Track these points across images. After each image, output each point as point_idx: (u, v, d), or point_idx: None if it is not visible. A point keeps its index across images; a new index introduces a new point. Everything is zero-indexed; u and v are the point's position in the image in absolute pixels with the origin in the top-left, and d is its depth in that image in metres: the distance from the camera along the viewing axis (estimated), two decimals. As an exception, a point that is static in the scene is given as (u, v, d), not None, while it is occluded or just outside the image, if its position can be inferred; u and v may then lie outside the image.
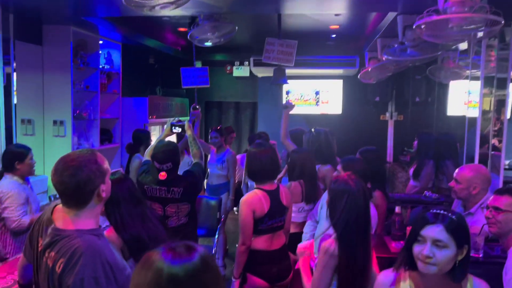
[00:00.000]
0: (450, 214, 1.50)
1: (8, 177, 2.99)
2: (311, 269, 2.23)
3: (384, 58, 4.32)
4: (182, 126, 3.35)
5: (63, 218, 1.51)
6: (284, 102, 4.29)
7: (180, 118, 3.52)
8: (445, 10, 2.35)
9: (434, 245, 1.46)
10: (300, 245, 2.28)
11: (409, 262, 1.55)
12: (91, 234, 1.49)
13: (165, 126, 3.48)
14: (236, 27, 3.61)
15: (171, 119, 3.51)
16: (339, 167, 2.67)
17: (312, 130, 3.85)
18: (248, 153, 2.76)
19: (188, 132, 3.32)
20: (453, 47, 4.95)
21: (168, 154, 2.84)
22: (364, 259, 1.95)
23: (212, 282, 0.99)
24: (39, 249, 1.54)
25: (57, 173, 1.48)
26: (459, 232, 1.49)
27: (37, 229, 1.61)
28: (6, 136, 3.60)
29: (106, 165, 1.56)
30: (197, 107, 4.36)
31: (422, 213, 1.56)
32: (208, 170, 4.81)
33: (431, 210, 1.53)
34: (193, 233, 3.06)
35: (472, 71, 4.69)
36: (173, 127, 3.39)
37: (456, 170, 2.78)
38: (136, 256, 1.96)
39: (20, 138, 4.12)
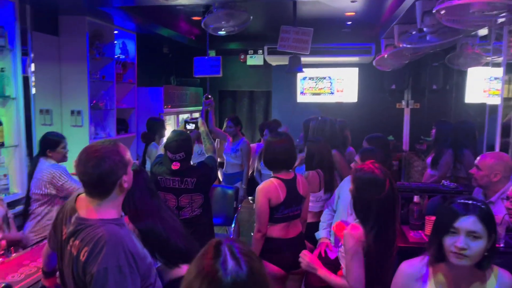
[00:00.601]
0: (479, 204, 1.49)
1: (44, 161, 3.17)
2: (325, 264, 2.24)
3: (401, 46, 4.25)
4: (196, 123, 3.48)
5: (86, 207, 1.54)
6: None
7: (195, 113, 3.61)
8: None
9: (468, 237, 1.44)
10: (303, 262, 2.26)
11: (439, 255, 1.52)
12: (114, 223, 1.51)
13: (179, 122, 3.55)
14: (251, 17, 3.58)
15: (185, 116, 3.57)
16: (357, 158, 2.65)
17: (319, 118, 3.90)
18: (266, 142, 2.78)
19: (201, 129, 3.41)
20: (472, 33, 4.83)
21: (181, 144, 2.85)
22: (391, 246, 1.97)
23: None
24: (63, 237, 1.57)
25: (81, 163, 1.50)
26: (489, 221, 1.48)
27: (61, 217, 1.64)
28: (25, 126, 3.65)
29: (128, 156, 1.58)
30: (209, 96, 4.37)
31: (447, 204, 1.53)
32: (224, 158, 4.86)
33: (457, 200, 1.51)
34: (207, 225, 3.04)
35: (492, 57, 4.59)
36: (186, 124, 3.52)
37: (478, 157, 2.74)
38: (149, 247, 1.97)
39: (38, 128, 4.18)
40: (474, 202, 1.49)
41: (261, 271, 1.00)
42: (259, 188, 2.61)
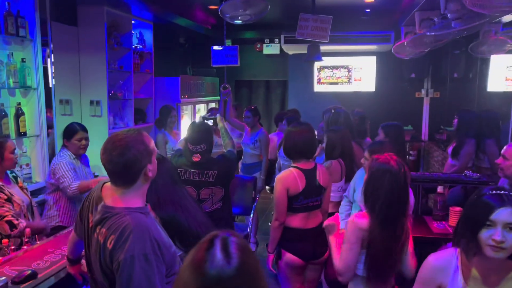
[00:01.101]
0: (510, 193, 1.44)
1: (62, 151, 3.22)
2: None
3: (423, 32, 4.15)
4: (214, 119, 3.48)
5: (111, 196, 1.55)
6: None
7: (211, 103, 3.60)
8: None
9: (504, 229, 1.41)
10: (325, 222, 2.28)
11: (472, 249, 1.48)
12: (139, 212, 1.51)
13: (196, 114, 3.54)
14: (268, 6, 3.52)
15: (202, 106, 3.56)
16: (365, 154, 2.62)
17: (332, 110, 3.88)
18: (286, 132, 2.77)
19: (220, 125, 3.40)
20: (496, 20, 4.69)
21: (202, 135, 2.82)
22: (399, 238, 1.94)
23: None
24: (90, 225, 1.59)
25: (106, 152, 1.50)
26: None
27: (87, 205, 1.66)
28: (47, 117, 3.70)
29: (152, 145, 1.58)
30: (227, 86, 4.36)
31: (478, 197, 1.48)
32: (243, 149, 4.86)
33: (489, 192, 1.46)
34: (228, 220, 3.00)
35: (512, 44, 4.45)
36: (205, 120, 3.51)
37: (505, 147, 2.67)
38: (170, 235, 1.97)
39: (58, 118, 4.22)
40: (508, 193, 1.44)
41: (252, 268, 0.97)
42: (278, 177, 2.62)
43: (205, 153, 2.81)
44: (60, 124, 4.10)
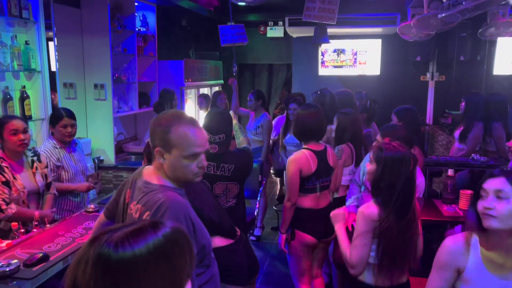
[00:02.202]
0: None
1: (49, 139, 3.08)
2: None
3: (431, 12, 4.08)
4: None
5: (150, 173, 1.57)
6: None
7: (215, 87, 3.49)
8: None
9: (495, 197, 1.46)
10: (333, 211, 2.25)
11: (477, 225, 1.50)
12: (175, 191, 1.51)
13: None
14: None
15: (205, 90, 3.45)
16: (378, 137, 2.59)
17: (318, 91, 3.93)
18: (296, 114, 2.75)
19: (233, 121, 3.20)
20: (504, 1, 4.61)
21: (222, 123, 2.57)
22: (410, 225, 1.92)
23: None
24: (127, 200, 1.60)
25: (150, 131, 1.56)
26: None
27: (127, 181, 1.67)
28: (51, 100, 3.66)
29: None
30: (234, 71, 4.30)
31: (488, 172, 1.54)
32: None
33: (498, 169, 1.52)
34: (242, 219, 2.74)
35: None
36: None
37: None
38: None
39: (63, 102, 4.20)
40: (507, 168, 1.48)
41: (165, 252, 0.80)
42: (290, 159, 2.62)
43: (223, 144, 2.56)
44: (65, 108, 4.08)
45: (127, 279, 0.75)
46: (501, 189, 1.44)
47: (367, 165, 2.08)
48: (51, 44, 3.98)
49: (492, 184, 1.46)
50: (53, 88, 3.82)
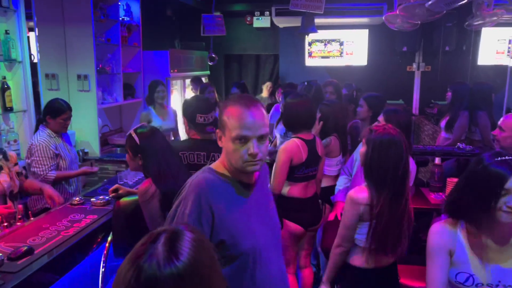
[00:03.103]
0: None
1: (41, 129, 3.02)
2: None
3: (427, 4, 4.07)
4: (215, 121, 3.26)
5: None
6: None
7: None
8: None
9: None
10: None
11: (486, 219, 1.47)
12: (213, 175, 1.46)
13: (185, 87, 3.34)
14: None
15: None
16: (380, 118, 2.58)
17: (305, 82, 3.94)
18: (285, 104, 2.73)
19: None
20: (489, -9, 4.64)
21: (210, 102, 2.64)
22: (402, 209, 1.93)
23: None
24: None
25: None
26: None
27: None
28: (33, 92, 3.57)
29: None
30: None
31: (485, 167, 1.46)
32: None
33: (496, 160, 1.44)
34: None
35: (506, 17, 4.42)
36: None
37: (502, 118, 2.67)
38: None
39: (45, 93, 4.09)
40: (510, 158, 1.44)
41: (203, 270, 0.83)
42: (282, 147, 2.60)
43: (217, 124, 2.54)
44: (47, 100, 3.97)
45: None
46: None
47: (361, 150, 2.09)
48: (32, 34, 3.87)
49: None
50: (34, 80, 3.73)
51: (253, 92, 7.92)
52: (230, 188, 1.43)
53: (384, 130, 1.97)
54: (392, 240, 1.93)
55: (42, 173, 2.91)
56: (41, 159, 2.91)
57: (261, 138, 1.37)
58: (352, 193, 1.98)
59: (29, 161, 2.96)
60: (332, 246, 2.06)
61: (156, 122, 4.23)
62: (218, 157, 2.51)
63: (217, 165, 1.47)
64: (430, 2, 3.69)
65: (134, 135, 2.14)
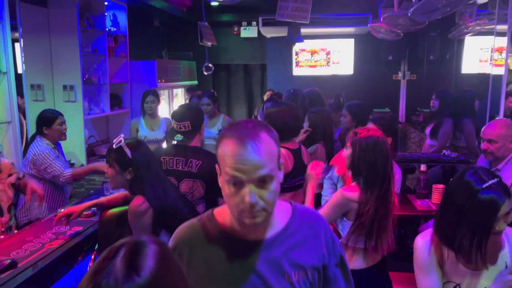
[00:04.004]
0: (497, 180, 1.47)
1: (39, 140, 3.06)
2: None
3: (409, 14, 4.15)
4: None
5: None
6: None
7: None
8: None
9: (505, 216, 1.46)
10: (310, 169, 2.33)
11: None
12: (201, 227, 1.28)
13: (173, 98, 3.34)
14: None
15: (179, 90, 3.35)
16: (369, 125, 2.62)
17: (291, 90, 3.98)
18: (266, 113, 2.71)
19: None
20: (471, 1, 4.75)
21: (187, 111, 2.50)
22: (388, 207, 2.00)
23: None
24: None
25: None
26: (507, 189, 1.48)
27: None
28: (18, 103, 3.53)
29: None
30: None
31: (475, 195, 1.44)
32: (204, 142, 4.37)
33: (480, 186, 1.45)
34: None
35: (488, 26, 4.53)
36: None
37: (486, 131, 2.68)
38: (167, 226, 1.89)
39: (30, 104, 4.06)
40: (495, 180, 1.46)
41: (166, 283, 0.78)
42: None
43: (188, 136, 2.47)
44: (32, 111, 3.94)
45: None
46: (508, 210, 1.45)
47: (344, 153, 2.13)
48: (17, 45, 3.84)
49: (504, 210, 1.44)
50: (19, 92, 3.69)
51: (244, 102, 7.95)
52: (222, 246, 1.13)
53: (368, 132, 2.04)
54: (380, 236, 1.98)
55: (59, 173, 2.97)
56: (51, 163, 2.97)
57: (262, 182, 1.05)
58: (344, 189, 2.04)
59: (33, 171, 2.98)
60: None
61: (142, 132, 4.24)
62: (196, 163, 2.46)
63: (222, 210, 1.18)
64: (411, 10, 3.75)
65: (124, 147, 1.97)
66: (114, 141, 2.02)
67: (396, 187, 2.81)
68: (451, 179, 1.70)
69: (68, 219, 2.26)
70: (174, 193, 2.06)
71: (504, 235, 1.54)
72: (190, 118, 2.46)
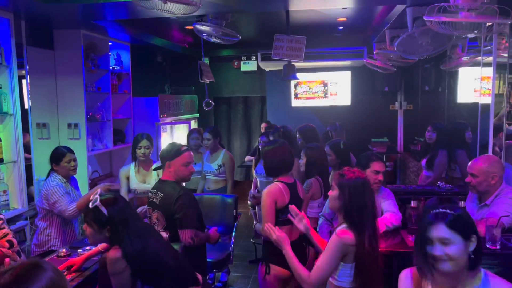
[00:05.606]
0: (449, 211, 1.54)
1: (52, 175, 3.19)
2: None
3: (395, 48, 4.32)
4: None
5: None
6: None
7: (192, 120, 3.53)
8: (456, 5, 2.35)
9: (441, 244, 1.51)
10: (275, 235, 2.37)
11: (428, 264, 1.56)
12: None
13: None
14: (239, 37, 3.66)
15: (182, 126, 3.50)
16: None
17: (281, 130, 4.18)
18: (262, 151, 2.84)
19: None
20: (463, 36, 4.92)
21: (165, 148, 2.80)
22: (377, 246, 2.09)
23: None
24: None
25: None
26: (462, 225, 1.53)
27: None
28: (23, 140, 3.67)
29: None
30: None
31: (424, 215, 1.61)
32: (205, 175, 4.56)
33: (431, 211, 1.58)
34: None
35: (483, 57, 4.66)
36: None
37: (471, 165, 2.78)
38: (147, 280, 1.94)
39: (36, 142, 4.19)
40: (443, 210, 1.55)
41: None
42: (265, 191, 2.67)
43: (161, 168, 2.78)
44: (38, 148, 4.08)
45: None
46: (444, 237, 1.50)
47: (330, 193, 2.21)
48: (23, 81, 4.01)
49: (434, 233, 1.51)
50: (25, 128, 3.84)
51: (244, 133, 8.10)
52: None
53: (355, 174, 2.12)
54: (377, 277, 2.05)
55: (64, 208, 3.07)
56: (59, 198, 3.08)
57: None
58: (340, 233, 2.05)
59: (46, 205, 3.12)
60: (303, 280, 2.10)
61: (132, 184, 3.84)
62: (160, 195, 2.64)
63: None
64: (395, 44, 3.89)
65: (100, 206, 1.96)
66: (91, 198, 2.01)
67: (395, 208, 2.92)
68: None
69: (68, 271, 2.37)
70: (156, 246, 2.01)
71: (484, 280, 1.56)
72: (162, 153, 2.79)
